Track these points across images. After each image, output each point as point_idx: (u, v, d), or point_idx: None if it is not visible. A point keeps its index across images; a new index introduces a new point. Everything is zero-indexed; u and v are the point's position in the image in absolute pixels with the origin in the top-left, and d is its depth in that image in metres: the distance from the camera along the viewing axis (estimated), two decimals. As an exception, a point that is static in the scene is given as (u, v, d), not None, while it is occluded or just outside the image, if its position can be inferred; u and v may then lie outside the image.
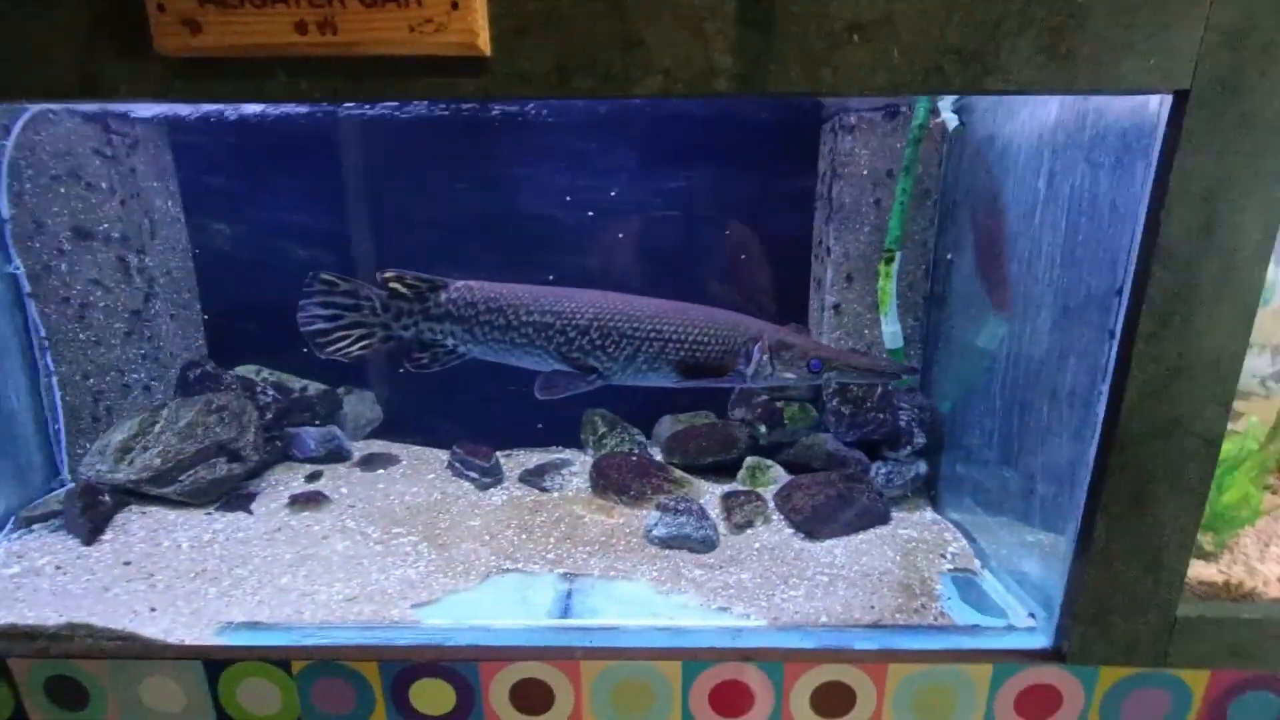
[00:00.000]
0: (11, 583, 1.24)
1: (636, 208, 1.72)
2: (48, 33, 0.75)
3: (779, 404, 1.60)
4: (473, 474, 1.69)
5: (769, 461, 1.61)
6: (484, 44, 0.72)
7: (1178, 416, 0.92)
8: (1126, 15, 0.78)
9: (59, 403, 1.57)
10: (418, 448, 1.87)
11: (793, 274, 1.77)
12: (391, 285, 1.11)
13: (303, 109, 1.44)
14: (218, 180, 1.74)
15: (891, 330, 1.48)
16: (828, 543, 1.39)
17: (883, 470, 1.50)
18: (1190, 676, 1.05)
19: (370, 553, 1.37)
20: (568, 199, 1.72)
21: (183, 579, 1.26)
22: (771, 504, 1.50)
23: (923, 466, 1.50)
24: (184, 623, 1.13)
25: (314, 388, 1.83)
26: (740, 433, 1.64)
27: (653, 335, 1.03)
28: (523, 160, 1.71)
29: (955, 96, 1.34)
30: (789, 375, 1.03)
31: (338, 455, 1.76)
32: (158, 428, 1.53)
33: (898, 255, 1.45)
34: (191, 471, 1.48)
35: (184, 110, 1.52)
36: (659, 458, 1.74)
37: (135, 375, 1.65)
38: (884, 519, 1.43)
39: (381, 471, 1.73)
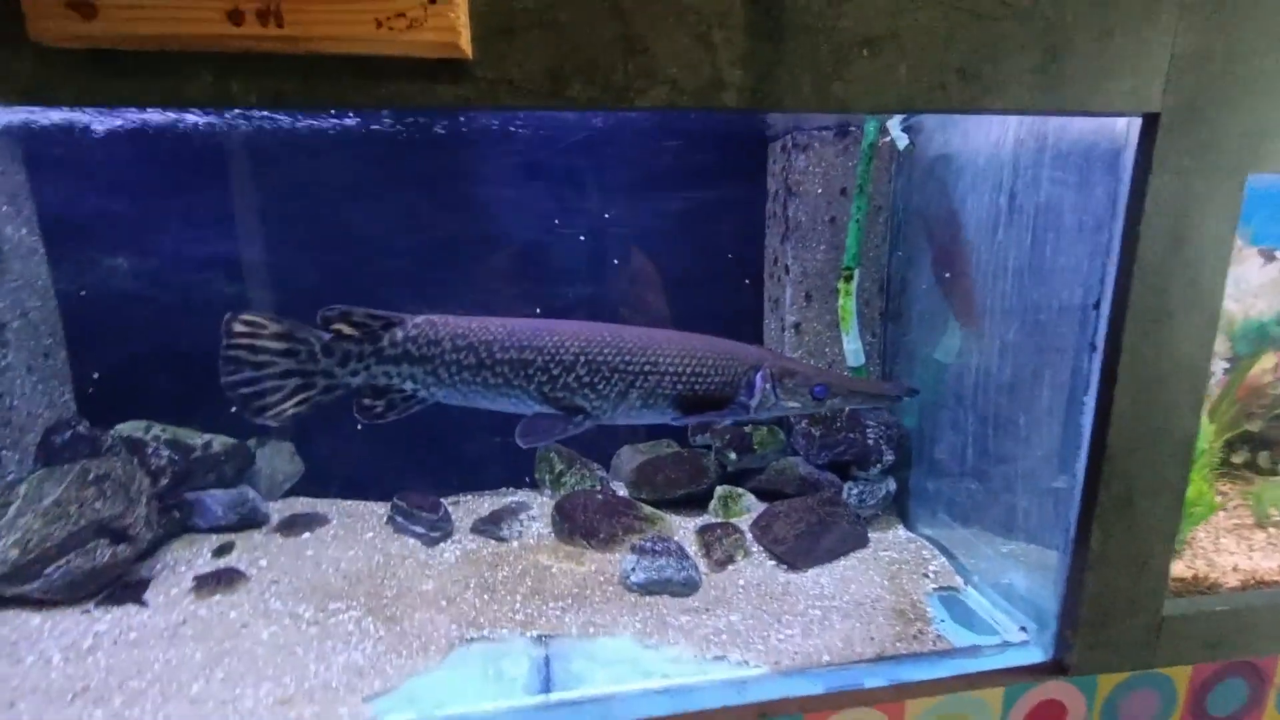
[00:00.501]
0: None
1: (571, 229, 1.62)
2: None
3: (747, 429, 1.55)
4: (419, 529, 1.51)
5: (740, 490, 1.55)
6: (465, 45, 0.62)
7: (1159, 423, 0.95)
8: (1104, 41, 0.80)
9: None
10: (349, 503, 1.66)
11: (744, 294, 1.74)
12: (336, 326, 0.94)
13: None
14: (92, 202, 1.47)
15: (853, 348, 1.48)
16: (812, 572, 1.34)
17: (854, 490, 1.48)
18: (1175, 673, 1.09)
19: (304, 638, 1.17)
20: (495, 219, 1.60)
21: (56, 703, 1.00)
22: (749, 535, 1.44)
23: (892, 484, 1.50)
24: (65, 764, 0.89)
25: (219, 443, 1.57)
26: (709, 461, 1.58)
27: (647, 369, 0.93)
28: (456, 178, 1.58)
29: (903, 116, 1.36)
30: (793, 404, 0.97)
31: (252, 520, 1.52)
32: (12, 509, 1.24)
33: (856, 273, 1.45)
34: (61, 562, 1.21)
35: (48, 116, 1.26)
36: (623, 493, 1.63)
37: (-21, 445, 1.34)
38: (863, 541, 1.41)
39: (308, 535, 1.51)
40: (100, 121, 1.27)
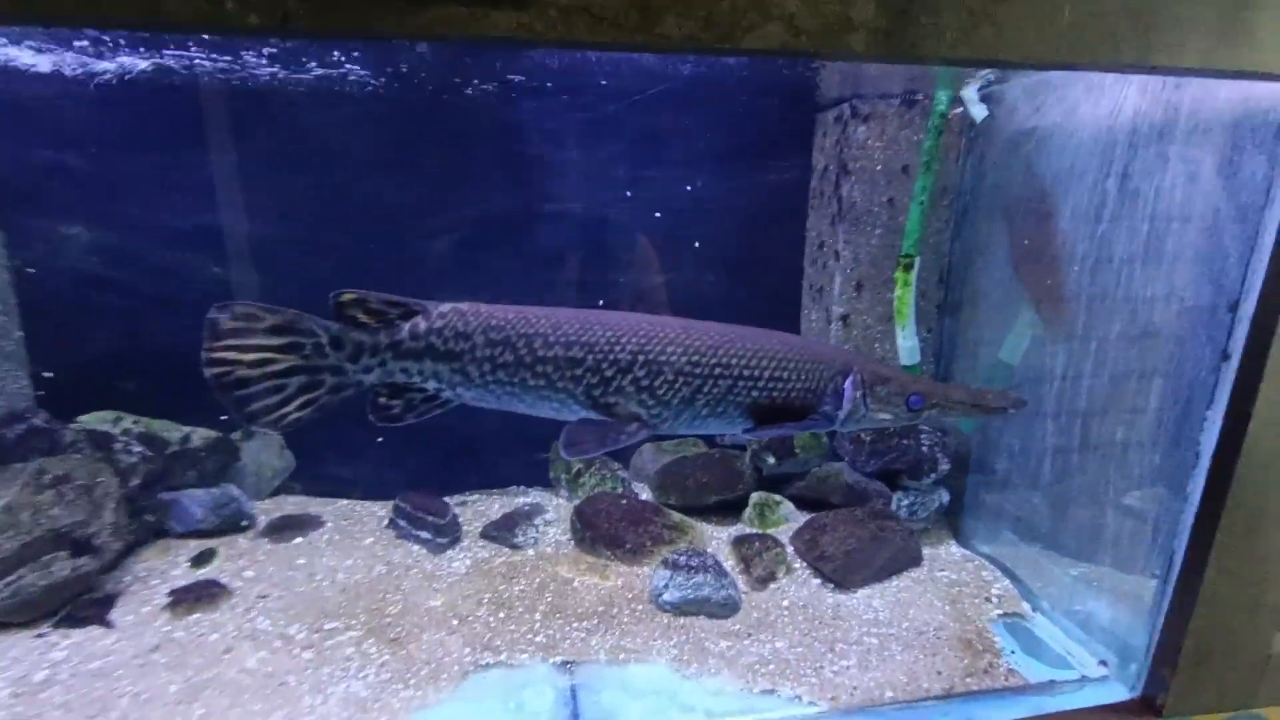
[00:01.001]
0: None
1: (590, 204, 1.45)
2: None
3: (785, 430, 1.41)
4: (424, 534, 1.36)
5: (778, 497, 1.42)
6: (531, -49, 0.45)
7: (1296, 446, 0.83)
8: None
9: None
10: (345, 503, 1.51)
11: (780, 281, 1.59)
12: (349, 313, 0.78)
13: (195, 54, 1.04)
14: (49, 162, 1.27)
15: (909, 344, 1.34)
16: (862, 593, 1.22)
17: (904, 502, 1.35)
18: (1272, 712, 0.99)
19: (296, 665, 1.03)
20: (512, 191, 1.42)
21: (7, 749, 0.86)
22: (790, 549, 1.31)
23: (945, 495, 1.37)
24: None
25: (200, 436, 1.40)
26: (743, 464, 1.44)
27: (718, 372, 0.78)
28: (459, 143, 1.39)
29: (981, 84, 1.20)
30: (885, 415, 0.82)
31: (236, 524, 1.36)
32: (-43, 515, 1.07)
33: (916, 261, 1.30)
34: (12, 578, 1.05)
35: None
36: (646, 497, 1.50)
37: (-83, 439, 1.17)
38: (917, 560, 1.29)
39: (300, 541, 1.36)
40: (53, 59, 1.08)
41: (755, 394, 0.79)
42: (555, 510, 1.49)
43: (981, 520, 1.34)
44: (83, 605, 1.10)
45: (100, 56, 1.08)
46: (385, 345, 0.79)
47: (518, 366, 0.79)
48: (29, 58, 1.06)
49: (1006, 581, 1.25)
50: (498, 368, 0.79)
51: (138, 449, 1.30)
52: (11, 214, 1.29)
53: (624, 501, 1.39)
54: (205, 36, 0.93)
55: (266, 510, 1.45)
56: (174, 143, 1.31)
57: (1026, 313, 1.18)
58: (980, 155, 1.28)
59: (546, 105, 1.38)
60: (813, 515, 1.35)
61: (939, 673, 1.04)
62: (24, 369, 1.34)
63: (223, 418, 0.77)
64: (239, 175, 1.32)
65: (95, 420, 1.34)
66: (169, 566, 1.25)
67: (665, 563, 1.22)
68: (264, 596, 1.18)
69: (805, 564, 1.28)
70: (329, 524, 1.43)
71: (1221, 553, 0.87)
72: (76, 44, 1.01)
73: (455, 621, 1.14)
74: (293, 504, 1.49)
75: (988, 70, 1.14)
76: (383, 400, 0.82)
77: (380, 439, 1.41)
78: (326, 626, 1.11)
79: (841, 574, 1.22)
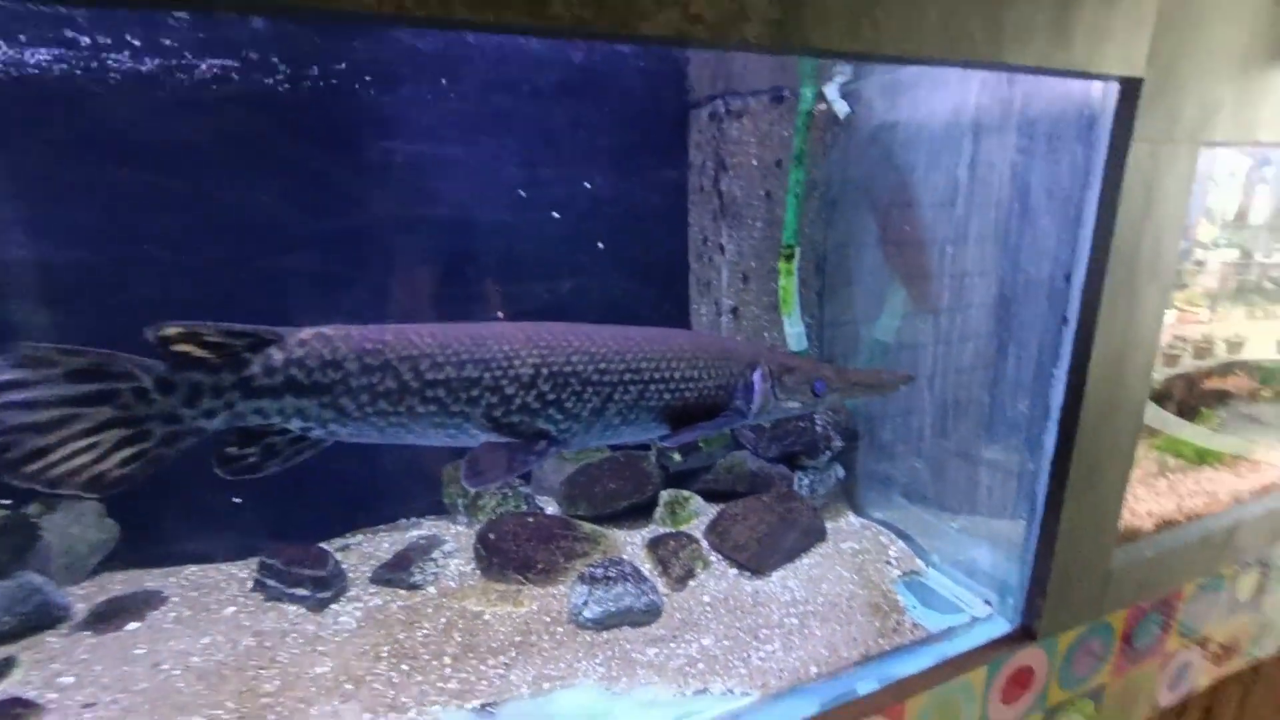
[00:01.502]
0: None
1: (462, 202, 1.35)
2: None
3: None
4: (300, 591, 1.20)
5: (686, 493, 1.42)
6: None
7: (1121, 392, 0.96)
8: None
9: None
10: (192, 569, 1.28)
11: (666, 276, 1.60)
12: (178, 349, 0.64)
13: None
14: None
15: (795, 331, 1.40)
16: (777, 576, 1.25)
17: (805, 481, 1.41)
18: (1114, 619, 1.15)
19: (153, 779, 0.85)
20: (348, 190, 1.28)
21: None
22: (705, 543, 1.32)
23: (840, 470, 1.45)
24: None
25: (-14, 516, 1.13)
26: (649, 465, 1.43)
27: (628, 378, 0.74)
28: (308, 132, 1.24)
29: (843, 81, 1.28)
30: (792, 404, 0.83)
31: (44, 620, 1.10)
32: None
33: (797, 251, 1.36)
34: None
35: None
36: (552, 510, 1.44)
37: None
38: (822, 535, 1.34)
39: (136, 626, 1.12)
40: None
41: (668, 397, 0.76)
42: (455, 539, 1.38)
43: (873, 489, 1.43)
44: None
45: None
46: (231, 384, 0.66)
47: (403, 393, 0.70)
48: None
49: (901, 543, 1.35)
50: (378, 397, 0.69)
51: (-102, 542, 1.01)
52: None
53: (531, 520, 1.33)
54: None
55: (86, 595, 1.18)
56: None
57: (897, 293, 1.27)
58: (845, 149, 1.36)
59: (410, 96, 1.26)
60: (722, 506, 1.37)
61: (855, 639, 1.09)
62: None
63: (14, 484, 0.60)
64: (17, 181, 1.07)
65: None
66: (-42, 687, 0.99)
67: (582, 578, 1.17)
68: (90, 705, 0.95)
69: (721, 556, 1.30)
70: (174, 599, 1.19)
71: (1075, 493, 0.99)
72: None
73: (350, 686, 1.01)
74: (121, 581, 1.22)
75: (847, 67, 1.21)
76: (232, 450, 0.69)
77: (233, 490, 1.21)
78: (187, 724, 0.94)
79: (757, 561, 1.24)
